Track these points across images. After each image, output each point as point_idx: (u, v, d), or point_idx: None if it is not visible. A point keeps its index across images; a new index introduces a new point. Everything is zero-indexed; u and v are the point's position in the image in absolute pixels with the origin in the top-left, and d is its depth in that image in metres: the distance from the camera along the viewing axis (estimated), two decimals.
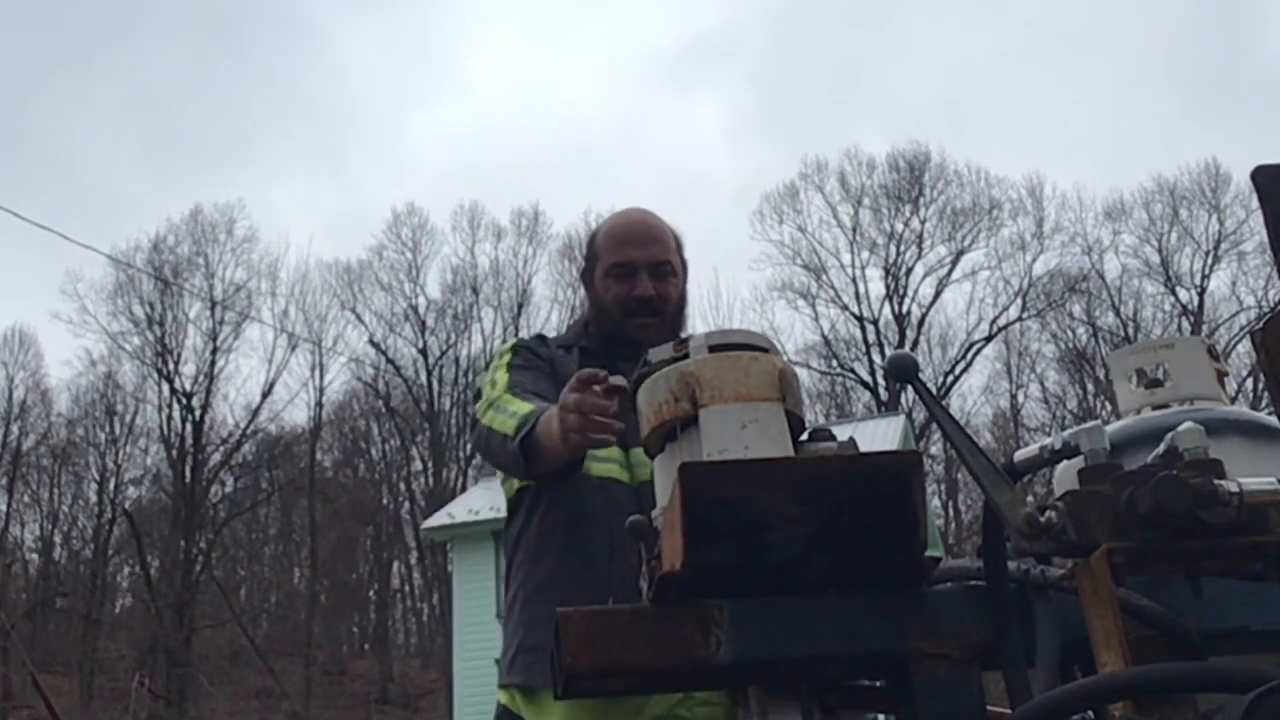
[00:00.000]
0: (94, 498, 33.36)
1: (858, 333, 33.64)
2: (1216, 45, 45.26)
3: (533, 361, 2.42)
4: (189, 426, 32.07)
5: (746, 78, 49.90)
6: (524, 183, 47.60)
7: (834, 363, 33.95)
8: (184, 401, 32.09)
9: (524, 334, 3.19)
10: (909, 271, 33.83)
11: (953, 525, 31.24)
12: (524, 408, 2.18)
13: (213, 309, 32.51)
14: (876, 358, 32.74)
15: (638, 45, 51.86)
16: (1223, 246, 31.69)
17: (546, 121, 49.17)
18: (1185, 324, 30.87)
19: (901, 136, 47.18)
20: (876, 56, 48.94)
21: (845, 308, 33.68)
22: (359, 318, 34.35)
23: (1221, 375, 1.71)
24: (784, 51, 47.82)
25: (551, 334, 2.66)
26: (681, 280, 2.50)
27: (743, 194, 49.15)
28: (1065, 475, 1.58)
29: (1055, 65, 46.06)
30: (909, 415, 23.13)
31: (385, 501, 36.22)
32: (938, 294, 33.70)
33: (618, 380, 1.85)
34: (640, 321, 2.40)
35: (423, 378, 34.39)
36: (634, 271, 2.41)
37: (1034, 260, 33.35)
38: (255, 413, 32.71)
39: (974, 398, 34.38)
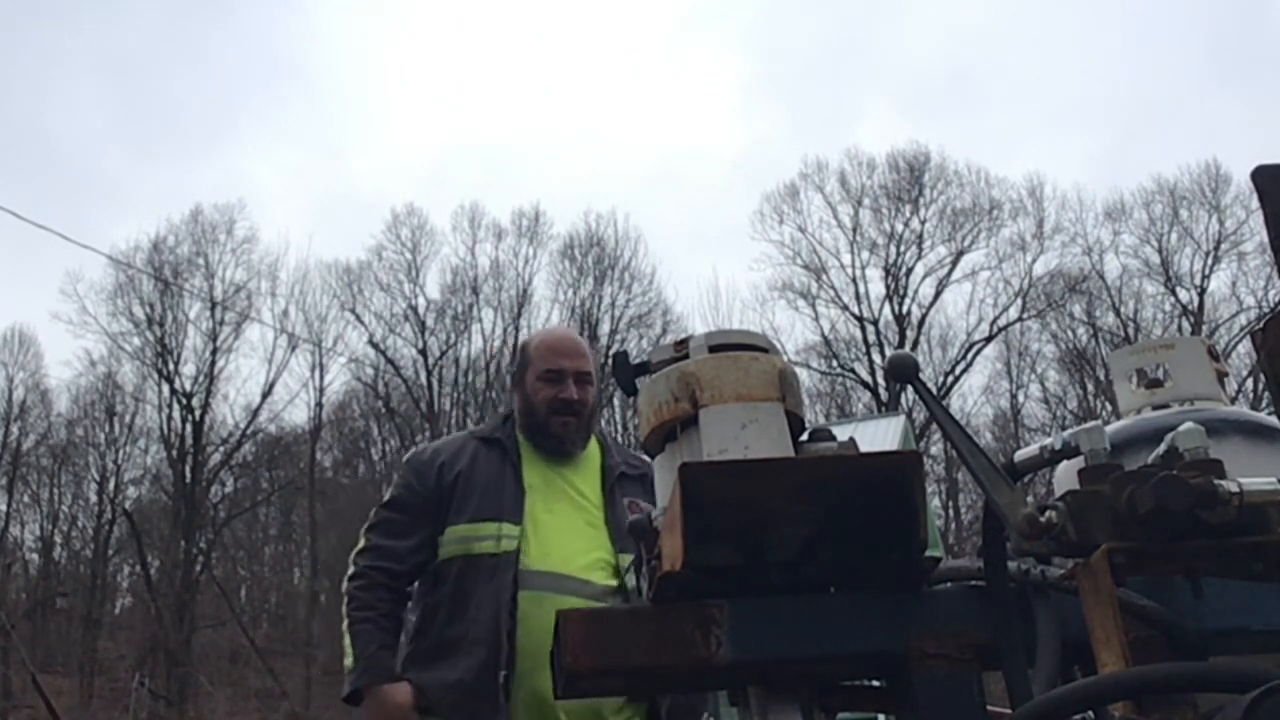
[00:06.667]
0: (94, 498, 33.33)
1: (858, 333, 33.61)
2: (1219, 42, 45.22)
3: (406, 501, 2.81)
4: (189, 426, 32.02)
5: (744, 46, 49.69)
6: (521, 161, 47.16)
7: (834, 363, 33.91)
8: (184, 401, 32.04)
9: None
10: (909, 272, 33.80)
11: (953, 525, 31.19)
12: (358, 652, 2.68)
13: (213, 309, 32.46)
14: (876, 358, 32.69)
15: (633, 16, 51.61)
16: (1223, 246, 31.63)
17: (541, 96, 49.05)
18: (1185, 324, 30.81)
19: (903, 108, 46.66)
20: (877, 22, 48.72)
21: (845, 308, 33.65)
22: (359, 318, 34.27)
23: (1221, 375, 1.71)
24: (782, 17, 47.64)
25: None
26: (596, 388, 2.90)
27: (742, 163, 48.54)
28: (1065, 475, 1.58)
29: (1055, 46, 46.00)
30: (909, 415, 23.11)
31: None
32: (938, 294, 33.65)
33: None
34: (563, 420, 2.80)
35: (423, 378, 34.33)
36: (562, 378, 2.81)
37: (1034, 260, 33.30)
38: (255, 413, 32.67)
39: (974, 398, 34.27)
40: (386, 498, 2.87)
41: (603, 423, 3.05)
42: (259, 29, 48.15)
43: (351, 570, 2.78)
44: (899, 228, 33.91)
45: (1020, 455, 1.36)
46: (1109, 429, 1.45)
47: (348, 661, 2.70)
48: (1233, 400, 1.72)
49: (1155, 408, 1.66)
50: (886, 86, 47.83)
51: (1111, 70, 44.66)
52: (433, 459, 2.84)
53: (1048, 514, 1.20)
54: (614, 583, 2.65)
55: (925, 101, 45.66)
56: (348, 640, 2.71)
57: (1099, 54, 45.63)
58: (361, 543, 2.81)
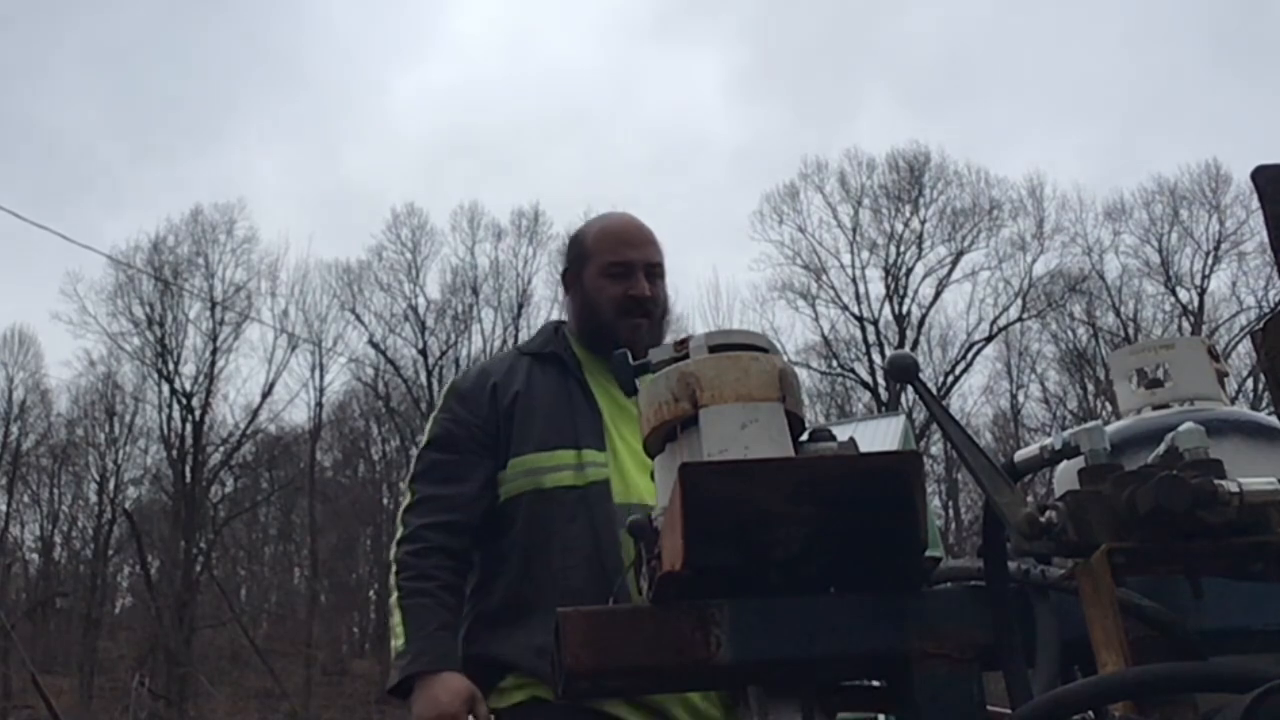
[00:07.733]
0: (94, 498, 33.37)
1: (858, 333, 33.65)
2: (1219, 41, 45.22)
3: (456, 436, 2.33)
4: (189, 426, 32.04)
5: (742, 42, 49.69)
6: (520, 159, 47.02)
7: (834, 363, 33.95)
8: (184, 401, 32.06)
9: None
10: (909, 272, 33.83)
11: (953, 525, 31.22)
12: (411, 633, 2.17)
13: (213, 309, 32.49)
14: (876, 358, 32.73)
15: (632, 13, 51.60)
16: (1223, 246, 31.66)
17: (538, 87, 48.99)
18: (1185, 324, 30.84)
19: (903, 102, 46.67)
20: (877, 16, 48.69)
21: (845, 308, 33.69)
22: (359, 318, 34.31)
23: (1221, 375, 1.70)
24: (779, 12, 47.57)
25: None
26: (665, 282, 2.48)
27: (741, 153, 48.42)
28: (1065, 475, 1.58)
29: (1056, 43, 45.97)
30: (909, 415, 23.11)
31: (385, 501, 36.19)
32: (938, 294, 33.70)
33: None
34: (634, 321, 2.37)
35: (423, 378, 34.34)
36: (631, 271, 2.39)
37: (1034, 260, 33.34)
38: (255, 413, 32.70)
39: (974, 398, 34.35)
40: (428, 438, 2.36)
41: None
42: (258, 26, 48.24)
43: (401, 532, 2.28)
44: (899, 228, 33.97)
45: (1020, 455, 1.36)
46: (1109, 429, 1.44)
47: (397, 643, 2.17)
48: (1233, 400, 1.71)
49: (1155, 408, 1.66)
50: (886, 81, 47.94)
51: (1112, 68, 44.76)
52: (481, 380, 2.37)
53: (1048, 514, 1.20)
54: None
55: (925, 97, 45.74)
56: (397, 617, 2.19)
57: (1100, 51, 45.76)
58: (408, 497, 2.32)
